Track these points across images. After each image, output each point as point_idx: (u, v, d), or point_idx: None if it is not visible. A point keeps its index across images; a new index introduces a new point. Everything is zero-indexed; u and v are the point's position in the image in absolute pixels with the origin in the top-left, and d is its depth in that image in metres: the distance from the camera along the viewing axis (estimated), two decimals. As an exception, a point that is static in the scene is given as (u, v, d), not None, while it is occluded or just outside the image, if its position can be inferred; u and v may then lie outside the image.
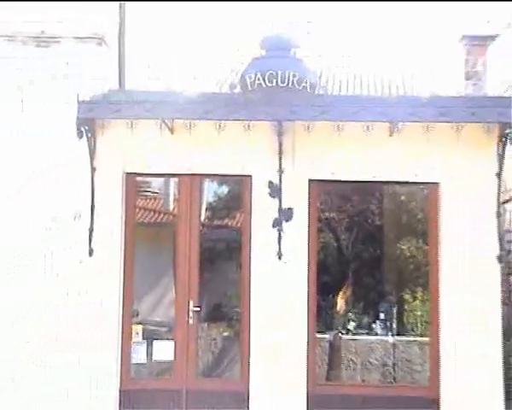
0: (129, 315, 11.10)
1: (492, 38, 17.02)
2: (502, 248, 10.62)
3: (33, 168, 11.14)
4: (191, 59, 17.14)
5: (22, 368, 11.17)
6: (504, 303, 11.07)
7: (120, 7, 11.86)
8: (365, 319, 12.16)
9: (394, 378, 11.62)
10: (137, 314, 11.37)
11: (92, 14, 11.24)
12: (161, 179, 12.17)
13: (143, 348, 11.17)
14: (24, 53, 11.18)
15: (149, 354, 11.20)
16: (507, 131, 10.28)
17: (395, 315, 12.16)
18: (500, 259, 10.54)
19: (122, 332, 11.00)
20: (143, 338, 11.21)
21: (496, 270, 10.53)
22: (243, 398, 10.68)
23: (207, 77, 15.72)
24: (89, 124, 10.61)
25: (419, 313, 11.97)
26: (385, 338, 11.87)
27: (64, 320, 10.95)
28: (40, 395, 11.08)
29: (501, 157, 10.47)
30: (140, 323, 11.33)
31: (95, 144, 10.80)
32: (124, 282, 11.08)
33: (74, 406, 10.81)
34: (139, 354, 11.17)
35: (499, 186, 10.64)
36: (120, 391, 10.88)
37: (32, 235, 11.23)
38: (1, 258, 11.33)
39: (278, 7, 17.88)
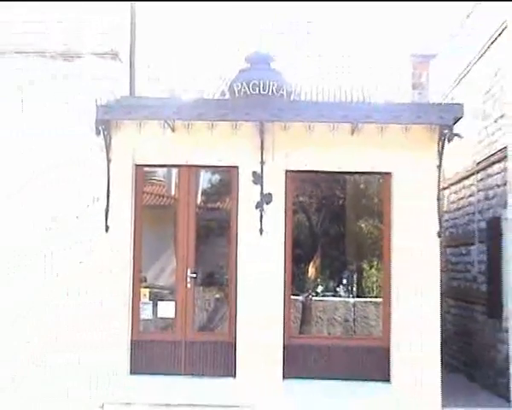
0: (138, 280, 11.39)
1: (433, 56, 17.29)
2: (440, 225, 10.92)
3: (60, 161, 11.23)
4: (190, 59, 15.99)
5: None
6: (442, 270, 11.47)
7: (131, 25, 12.10)
8: (331, 284, 12.37)
9: (354, 331, 11.96)
10: (145, 280, 11.62)
11: (109, 33, 11.41)
12: (164, 169, 12.21)
13: (150, 307, 11.44)
14: (53, 66, 11.40)
15: (155, 312, 11.46)
16: (445, 132, 10.59)
17: (355, 281, 12.39)
18: (439, 234, 10.85)
19: (132, 294, 11.28)
20: (150, 299, 11.46)
21: (436, 243, 10.84)
22: (231, 347, 11.03)
23: (204, 77, 15.02)
24: (105, 124, 10.92)
25: (374, 279, 12.08)
26: (347, 299, 12.15)
27: (85, 282, 11.03)
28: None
29: (440, 153, 10.80)
30: (147, 287, 11.56)
31: (110, 140, 11.08)
32: (133, 253, 11.30)
33: (94, 351, 10.89)
34: (146, 312, 11.42)
35: (439, 176, 10.92)
36: (131, 341, 11.17)
37: (65, 211, 11.21)
38: (28, 244, 11.27)
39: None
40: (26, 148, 11.28)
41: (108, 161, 11.13)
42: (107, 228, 11.11)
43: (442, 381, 10.78)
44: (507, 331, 11.40)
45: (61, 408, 10.92)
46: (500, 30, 11.88)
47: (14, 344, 11.13)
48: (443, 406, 10.69)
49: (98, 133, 10.92)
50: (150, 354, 11.23)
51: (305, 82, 15.10)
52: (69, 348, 10.98)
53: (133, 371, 11.18)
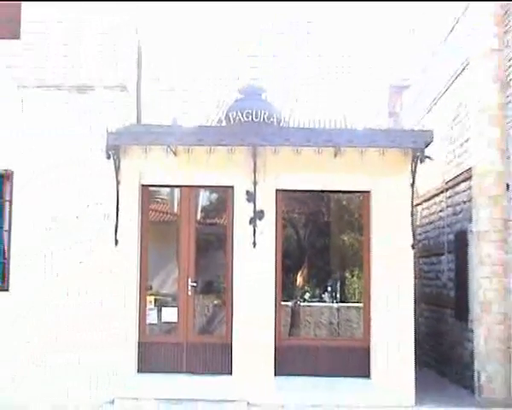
0: (144, 288, 11.54)
1: (406, 87, 17.26)
2: (414, 238, 11.08)
3: (83, 180, 11.43)
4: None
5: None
6: (415, 278, 11.70)
7: (138, 61, 12.36)
8: (317, 291, 12.38)
9: (338, 333, 12.03)
10: (151, 288, 11.74)
11: (117, 69, 11.60)
12: (168, 189, 12.28)
13: (155, 312, 11.59)
14: (69, 97, 11.62)
15: (159, 316, 11.61)
16: (418, 154, 10.72)
17: (339, 288, 12.34)
18: (413, 246, 11.02)
19: (139, 301, 11.43)
20: (155, 305, 11.61)
21: (410, 254, 11.02)
22: (228, 348, 11.21)
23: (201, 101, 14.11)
24: (115, 149, 11.05)
25: (356, 286, 12.11)
26: (331, 305, 12.12)
27: (98, 286, 11.15)
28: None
29: (413, 173, 10.95)
30: (152, 294, 11.69)
31: (119, 163, 11.20)
32: (140, 264, 11.45)
33: (107, 351, 11.03)
34: (152, 317, 11.57)
35: (412, 193, 11.07)
36: (139, 343, 11.35)
37: (82, 223, 11.32)
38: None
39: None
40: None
41: (117, 182, 11.26)
42: (116, 241, 11.25)
43: (416, 376, 10.94)
44: (472, 332, 11.50)
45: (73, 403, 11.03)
46: (464, 66, 12.06)
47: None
48: (417, 397, 10.84)
49: (108, 157, 11.07)
50: (155, 355, 11.39)
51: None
52: (83, 346, 11.08)
53: (140, 370, 11.34)
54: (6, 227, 11.68)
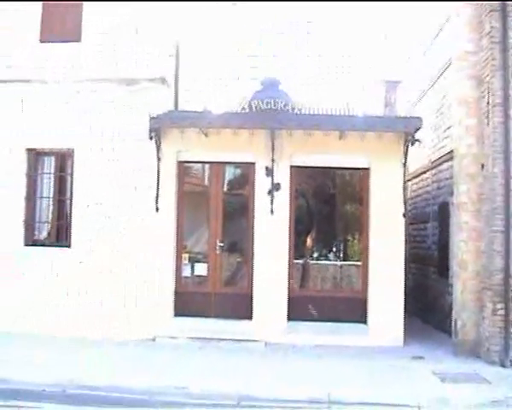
0: (180, 248, 11.64)
1: (399, 81, 17.30)
2: (405, 208, 11.17)
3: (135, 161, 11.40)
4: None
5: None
6: (406, 242, 11.56)
7: (176, 55, 11.99)
8: (323, 251, 12.38)
9: (341, 286, 11.99)
10: (185, 247, 11.81)
11: (158, 64, 11.47)
12: (200, 165, 12.23)
13: (189, 267, 11.70)
14: (118, 88, 11.57)
15: (192, 271, 11.72)
16: (409, 138, 10.78)
17: (342, 249, 12.40)
18: (404, 215, 11.09)
19: (176, 258, 11.53)
20: (189, 261, 11.71)
21: (401, 221, 11.10)
22: (249, 297, 11.29)
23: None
24: (156, 131, 11.13)
25: (356, 248, 12.16)
26: (335, 263, 12.12)
27: (141, 246, 11.21)
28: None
29: (405, 154, 11.00)
30: (187, 252, 11.78)
31: (160, 144, 11.27)
32: (177, 227, 11.55)
33: (146, 298, 11.14)
34: (186, 271, 11.68)
35: (404, 171, 11.20)
36: (175, 292, 11.49)
37: (126, 198, 11.30)
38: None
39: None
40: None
41: (158, 159, 11.34)
42: (157, 209, 11.31)
43: (404, 322, 11.07)
44: (451, 286, 11.49)
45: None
46: (447, 65, 11.98)
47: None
48: (405, 339, 10.96)
49: (151, 138, 11.13)
50: (189, 302, 11.48)
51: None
52: (131, 294, 11.15)
53: (176, 314, 11.47)
54: (68, 196, 11.79)
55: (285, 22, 14.13)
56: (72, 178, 11.71)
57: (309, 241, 12.29)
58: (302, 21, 13.99)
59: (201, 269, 11.77)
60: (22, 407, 7.50)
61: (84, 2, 11.79)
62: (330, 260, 12.29)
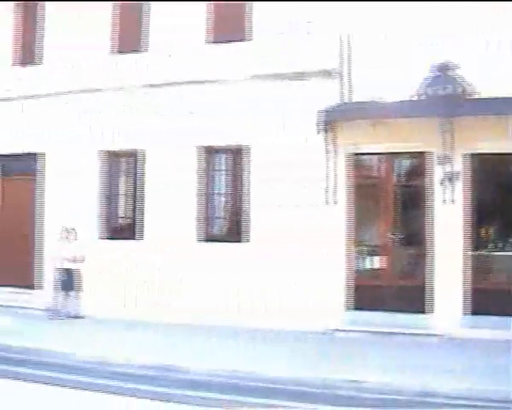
0: (353, 240, 11.51)
1: None
2: None
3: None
4: None
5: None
6: None
7: (341, 47, 11.74)
8: (505, 242, 11.34)
9: None
10: (358, 240, 11.59)
11: (326, 56, 11.50)
12: (371, 156, 11.87)
13: (361, 260, 11.68)
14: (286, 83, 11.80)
15: (365, 264, 11.70)
16: None
17: None
18: None
19: (348, 251, 11.44)
20: (361, 254, 11.65)
21: None
22: (423, 290, 10.99)
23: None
24: (326, 124, 11.08)
25: None
26: None
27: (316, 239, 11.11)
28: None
29: None
30: (359, 245, 11.65)
31: (329, 137, 11.25)
32: (349, 220, 11.46)
33: (318, 291, 11.11)
34: (359, 264, 11.63)
35: None
36: (347, 286, 11.37)
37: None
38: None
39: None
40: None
41: (328, 152, 11.36)
42: (327, 202, 11.35)
43: None
44: None
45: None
46: None
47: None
48: None
49: (319, 132, 11.10)
50: (361, 295, 11.40)
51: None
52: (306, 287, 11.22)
53: (349, 308, 11.42)
54: (246, 191, 12.13)
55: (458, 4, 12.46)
56: (246, 174, 12.08)
57: (488, 231, 11.68)
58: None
59: (374, 262, 11.67)
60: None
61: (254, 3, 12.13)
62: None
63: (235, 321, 11.39)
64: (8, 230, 13.90)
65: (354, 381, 8.06)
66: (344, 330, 11.02)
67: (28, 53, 14.10)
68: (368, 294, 11.39)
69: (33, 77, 13.71)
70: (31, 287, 13.38)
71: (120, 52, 13.18)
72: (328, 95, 11.46)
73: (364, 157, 12.09)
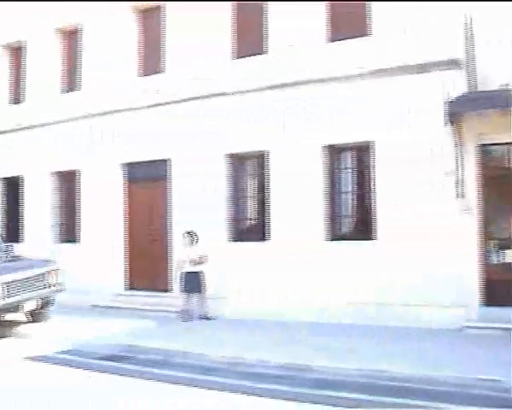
0: (485, 234, 11.12)
1: None
2: None
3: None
4: None
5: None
6: None
7: (466, 34, 11.38)
8: None
9: None
10: (490, 233, 11.18)
11: (449, 45, 11.20)
12: (501, 147, 11.28)
13: (495, 254, 11.18)
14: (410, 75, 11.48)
15: (499, 258, 11.15)
16: None
17: None
18: None
19: (480, 245, 11.08)
20: (495, 248, 11.17)
21: None
22: None
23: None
24: (453, 115, 10.77)
25: None
26: None
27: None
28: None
29: None
30: (492, 239, 11.21)
31: (458, 128, 10.94)
32: (480, 213, 11.10)
33: (450, 288, 10.85)
34: (492, 258, 11.10)
35: None
36: (480, 281, 11.05)
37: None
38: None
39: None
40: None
41: (455, 143, 11.04)
42: (462, 195, 11.04)
43: None
44: None
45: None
46: None
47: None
48: None
49: (446, 123, 10.86)
50: (496, 291, 10.93)
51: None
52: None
53: (482, 304, 11.01)
54: (371, 188, 12.04)
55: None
56: (371, 171, 12.00)
57: None
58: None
59: (506, 256, 11.13)
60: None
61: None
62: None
63: (364, 319, 11.38)
64: (142, 236, 14.55)
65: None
66: (476, 327, 10.64)
67: (151, 62, 14.64)
68: (500, 289, 10.92)
69: (157, 85, 14.19)
70: (165, 290, 13.89)
71: (241, 56, 13.41)
72: (453, 85, 11.08)
73: (494, 147, 11.59)
